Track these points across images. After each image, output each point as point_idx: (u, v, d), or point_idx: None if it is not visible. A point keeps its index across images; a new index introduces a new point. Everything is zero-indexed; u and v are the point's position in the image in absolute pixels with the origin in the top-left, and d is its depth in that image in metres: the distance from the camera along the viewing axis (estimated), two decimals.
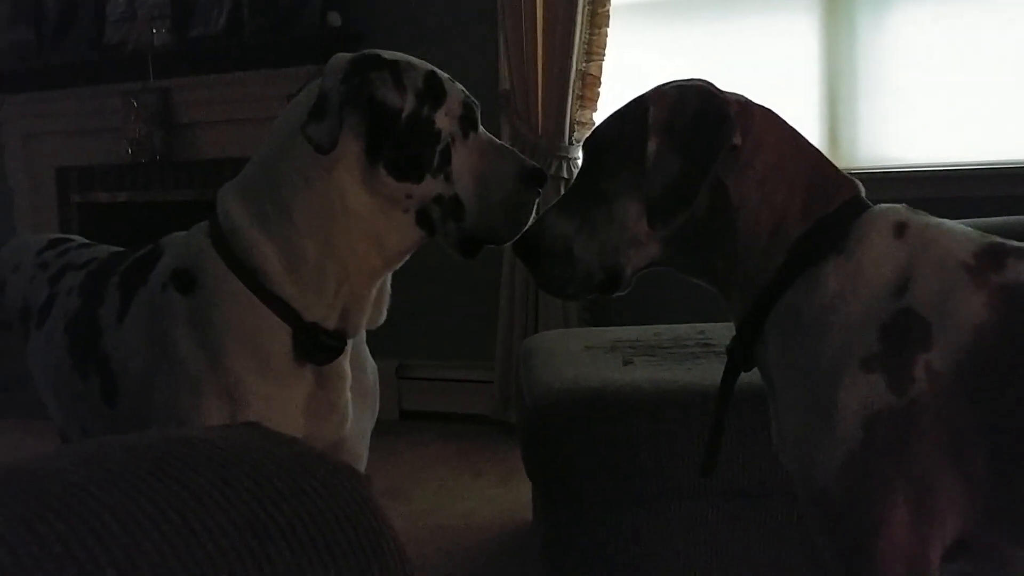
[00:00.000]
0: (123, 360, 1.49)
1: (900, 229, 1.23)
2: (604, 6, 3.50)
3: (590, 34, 3.52)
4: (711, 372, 1.91)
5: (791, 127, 1.32)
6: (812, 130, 3.42)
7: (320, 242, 1.38)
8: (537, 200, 1.48)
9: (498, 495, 3.11)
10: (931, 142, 3.31)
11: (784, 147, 1.29)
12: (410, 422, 4.01)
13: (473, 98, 1.47)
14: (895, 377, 1.15)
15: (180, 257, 1.46)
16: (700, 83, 1.30)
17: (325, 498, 0.75)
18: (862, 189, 1.31)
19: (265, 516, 0.69)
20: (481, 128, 1.47)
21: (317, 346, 1.42)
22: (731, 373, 1.35)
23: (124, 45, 4.33)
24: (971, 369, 1.14)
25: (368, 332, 1.57)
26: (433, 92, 1.41)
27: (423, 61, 1.46)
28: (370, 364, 1.62)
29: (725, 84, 1.32)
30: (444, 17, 3.91)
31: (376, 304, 1.50)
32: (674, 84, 1.31)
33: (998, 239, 1.23)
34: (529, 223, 1.43)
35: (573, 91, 3.53)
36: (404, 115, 1.38)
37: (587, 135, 1.37)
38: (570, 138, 3.57)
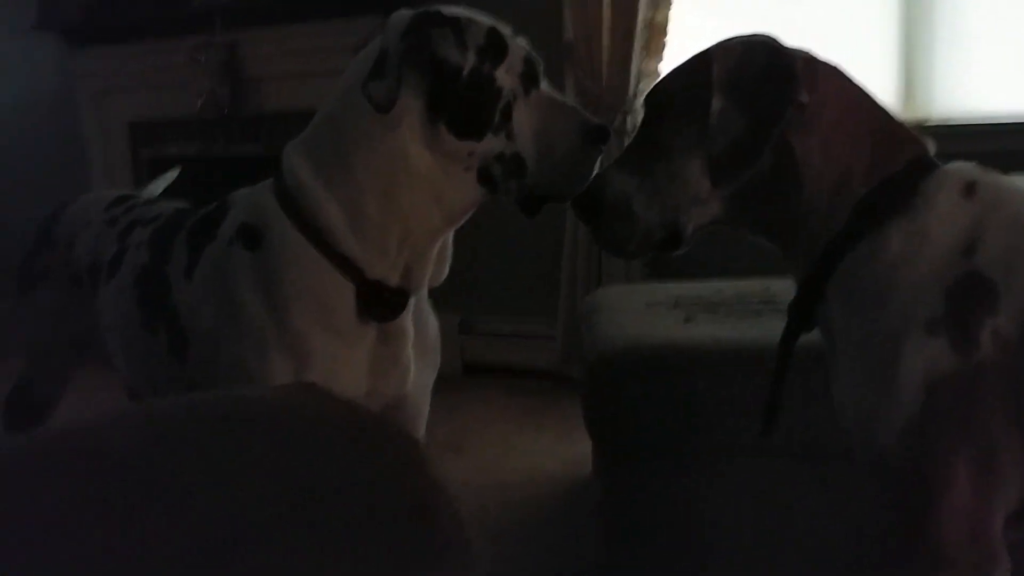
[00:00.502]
0: (191, 315, 1.53)
1: (969, 189, 1.20)
2: None
3: None
4: (774, 330, 1.88)
5: (858, 83, 1.29)
6: (887, 80, 3.33)
7: (382, 200, 1.39)
8: (600, 157, 1.47)
9: (560, 450, 3.12)
10: (1012, 93, 3.20)
11: (850, 104, 1.26)
12: (473, 376, 4.04)
13: (535, 53, 1.46)
14: (960, 341, 1.13)
15: (247, 213, 1.49)
16: (766, 38, 1.28)
17: (378, 464, 0.76)
18: (931, 147, 1.27)
19: (317, 481, 0.70)
20: (544, 84, 1.46)
21: (380, 303, 1.44)
22: (792, 333, 1.34)
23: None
24: None
25: (430, 287, 1.58)
26: (494, 49, 1.40)
27: (485, 16, 1.45)
28: (432, 320, 1.64)
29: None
30: None
31: (438, 261, 1.51)
32: (739, 39, 1.29)
33: None
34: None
35: (639, 41, 3.48)
36: (465, 72, 1.37)
37: (649, 89, 1.35)
38: (635, 90, 3.52)
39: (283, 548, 0.67)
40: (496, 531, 2.56)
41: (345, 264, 1.41)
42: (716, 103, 1.23)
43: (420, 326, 1.57)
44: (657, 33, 3.49)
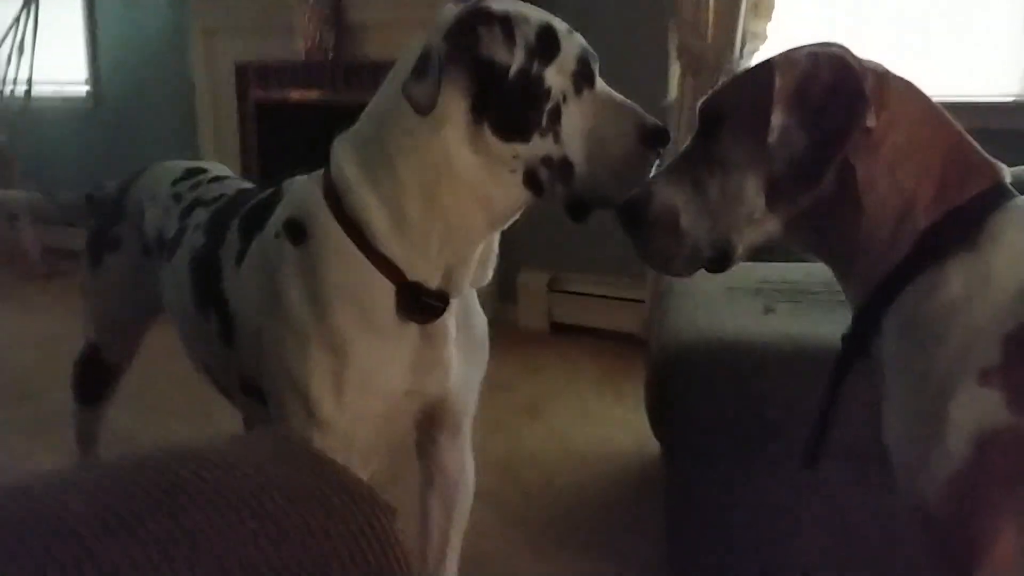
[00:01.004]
0: (239, 302, 1.53)
1: None
2: None
3: None
4: None
5: (931, 103, 1.18)
6: (1009, 52, 3.11)
7: (424, 202, 1.36)
8: (658, 161, 1.40)
9: (636, 421, 3.06)
10: None
11: (920, 126, 1.16)
12: (560, 335, 4.02)
13: (591, 51, 1.38)
14: (1015, 395, 1.04)
15: (294, 206, 1.47)
16: (835, 51, 1.18)
17: (337, 539, 0.73)
18: (1007, 175, 1.17)
19: (265, 560, 0.68)
20: (600, 83, 1.39)
21: (419, 305, 1.41)
22: (845, 364, 1.26)
23: None
24: None
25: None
26: (545, 47, 1.33)
27: (541, 11, 1.38)
28: (480, 319, 1.60)
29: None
30: None
31: (481, 264, 1.47)
32: (806, 50, 1.19)
33: None
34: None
35: (747, 0, 3.33)
36: (512, 72, 1.31)
37: (705, 97, 1.27)
38: (741, 51, 3.37)
39: None
40: (558, 508, 2.56)
41: (386, 264, 1.39)
42: (777, 119, 1.15)
43: (466, 325, 1.54)
44: None
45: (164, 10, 5.13)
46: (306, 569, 0.71)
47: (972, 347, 1.08)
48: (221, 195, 1.72)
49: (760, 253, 2.48)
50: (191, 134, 5.00)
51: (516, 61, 1.31)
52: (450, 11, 1.33)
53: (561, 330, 4.06)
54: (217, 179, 1.84)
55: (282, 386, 1.45)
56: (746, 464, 1.93)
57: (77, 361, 2.08)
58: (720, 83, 1.26)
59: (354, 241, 1.39)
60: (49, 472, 0.72)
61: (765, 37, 3.40)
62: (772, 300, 2.20)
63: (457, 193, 1.35)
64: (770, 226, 1.21)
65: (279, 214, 1.49)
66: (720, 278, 2.41)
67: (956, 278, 1.11)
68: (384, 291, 1.40)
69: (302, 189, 1.48)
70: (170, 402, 3.16)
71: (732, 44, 3.36)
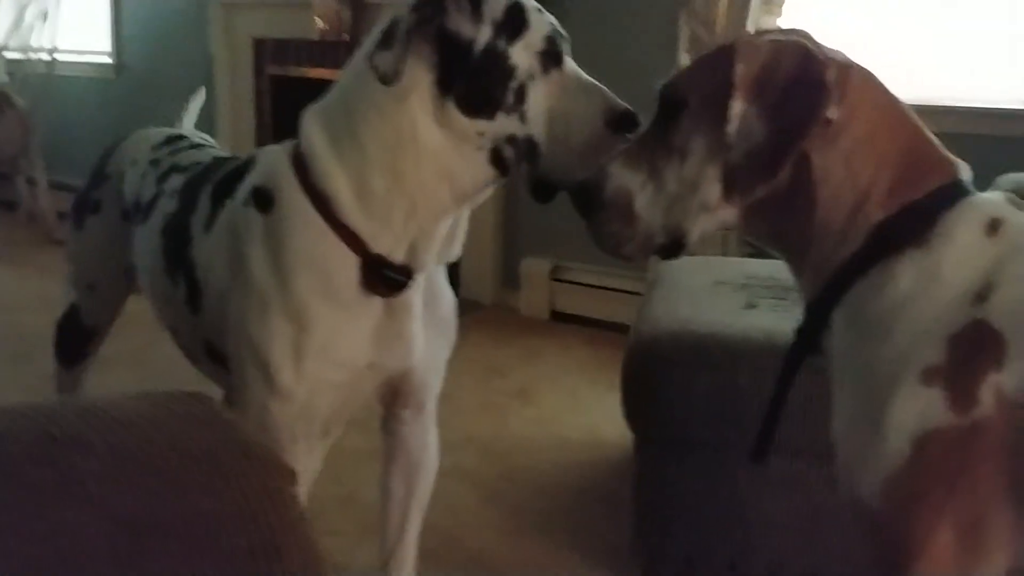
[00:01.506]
0: (205, 269, 1.54)
1: (993, 226, 1.08)
2: None
3: None
4: None
5: (891, 95, 1.17)
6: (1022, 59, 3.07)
7: (389, 174, 1.36)
8: None
9: None
10: None
11: (879, 119, 1.15)
12: (560, 324, 4.01)
13: (561, 31, 1.38)
14: (957, 395, 1.03)
15: (262, 175, 1.48)
16: (798, 39, 1.16)
17: (230, 499, 0.74)
18: (965, 172, 1.15)
19: (150, 513, 0.69)
20: (569, 64, 1.39)
21: (382, 279, 1.41)
22: (795, 358, 1.25)
23: None
24: None
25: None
26: (513, 24, 1.33)
27: None
28: (447, 296, 1.61)
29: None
30: None
31: (448, 240, 1.47)
32: (769, 38, 1.18)
33: None
34: None
35: None
36: (477, 48, 1.31)
37: (665, 80, 1.26)
38: None
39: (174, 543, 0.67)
40: (536, 490, 2.56)
41: (350, 236, 1.39)
42: (737, 107, 1.13)
43: (432, 303, 1.54)
44: None
45: None
46: (197, 525, 0.72)
47: (917, 345, 1.07)
48: (197, 162, 1.73)
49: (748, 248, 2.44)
50: (209, 107, 5.01)
51: (482, 36, 1.31)
52: None
53: (561, 319, 4.05)
54: (196, 146, 1.85)
55: (243, 353, 1.46)
56: (717, 456, 1.93)
57: (58, 322, 2.10)
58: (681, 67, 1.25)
59: (319, 211, 1.40)
60: None
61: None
62: (756, 296, 2.19)
63: (421, 167, 1.35)
64: (724, 215, 1.20)
65: (248, 182, 1.50)
66: (708, 272, 2.42)
67: (905, 275, 1.10)
68: (347, 262, 1.40)
69: (272, 158, 1.49)
70: (167, 370, 3.18)
71: None
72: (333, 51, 4.49)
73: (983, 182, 2.39)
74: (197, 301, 1.56)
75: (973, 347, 1.04)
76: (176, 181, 1.70)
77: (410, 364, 1.52)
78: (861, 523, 1.13)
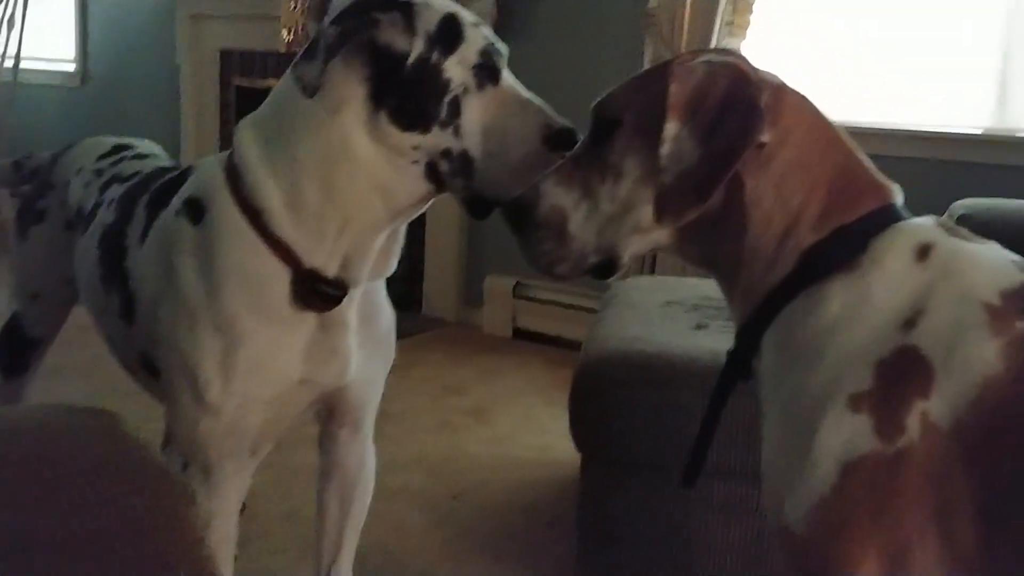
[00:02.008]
0: (139, 281, 1.51)
1: (923, 252, 1.07)
2: None
3: None
4: None
5: (824, 118, 1.16)
6: (983, 87, 3.10)
7: (321, 187, 1.33)
8: None
9: None
10: None
11: (812, 143, 1.14)
12: (522, 341, 4.00)
13: (498, 46, 1.36)
14: (884, 422, 1.01)
15: (196, 186, 1.45)
16: (732, 61, 1.15)
17: (117, 516, 0.71)
18: (898, 196, 1.14)
19: (33, 529, 0.66)
20: (506, 79, 1.37)
21: (314, 293, 1.38)
22: (726, 383, 1.24)
23: None
24: (972, 427, 0.98)
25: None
26: (447, 37, 1.31)
27: (446, 1, 1.35)
28: (386, 312, 1.58)
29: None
30: None
31: (383, 254, 1.44)
32: (704, 59, 1.16)
33: None
34: None
35: (722, 16, 3.31)
36: (410, 61, 1.29)
37: (599, 98, 1.24)
38: None
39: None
40: (484, 511, 2.53)
41: (281, 249, 1.37)
42: (670, 128, 1.12)
43: (370, 319, 1.52)
44: (742, 10, 3.31)
45: None
46: (84, 542, 0.69)
47: (845, 371, 1.05)
48: (137, 172, 1.70)
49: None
50: (174, 117, 4.99)
51: (416, 50, 1.29)
52: None
53: (524, 336, 4.03)
54: (140, 156, 1.82)
55: (173, 367, 1.42)
56: (661, 477, 1.90)
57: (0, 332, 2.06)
58: (616, 86, 1.23)
59: (251, 223, 1.37)
60: None
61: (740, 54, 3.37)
62: (707, 316, 2.18)
63: (355, 180, 1.33)
64: (657, 236, 1.18)
65: (182, 193, 1.47)
66: (662, 292, 2.41)
67: (835, 300, 1.08)
68: (279, 276, 1.38)
69: (206, 169, 1.46)
70: (117, 381, 3.13)
71: None
72: None
73: (941, 207, 2.42)
74: (131, 313, 1.53)
75: (901, 373, 1.02)
76: (116, 191, 1.67)
77: (345, 381, 1.49)
78: (787, 551, 1.11)
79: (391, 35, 1.28)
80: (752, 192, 1.13)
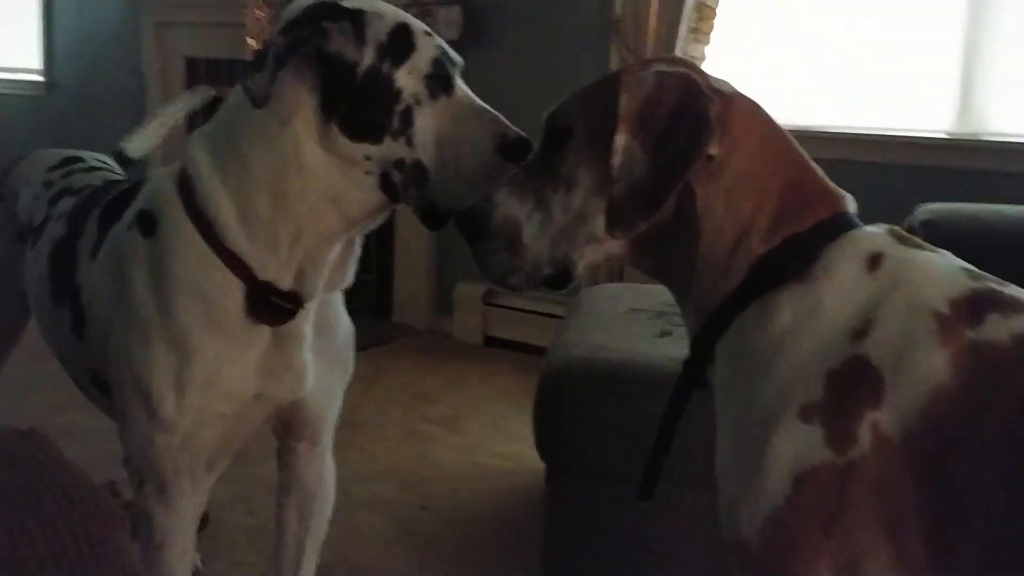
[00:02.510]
0: (90, 295, 1.49)
1: (874, 261, 1.06)
2: None
3: None
4: None
5: (775, 127, 1.16)
6: (945, 90, 3.12)
7: (273, 198, 1.32)
8: None
9: None
10: None
11: (762, 153, 1.13)
12: (493, 349, 3.99)
13: (452, 55, 1.35)
14: (835, 433, 1.01)
15: (147, 198, 1.43)
16: (683, 72, 1.14)
17: (47, 539, 0.69)
18: (851, 205, 1.14)
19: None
20: (460, 89, 1.36)
21: (269, 306, 1.37)
22: (681, 393, 1.23)
23: None
24: (923, 437, 0.98)
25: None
26: (397, 47, 1.30)
27: (399, 11, 1.34)
28: (343, 324, 1.56)
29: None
30: None
31: (339, 267, 1.43)
32: (654, 70, 1.15)
33: (995, 286, 1.05)
34: None
35: (686, 23, 3.32)
36: (360, 71, 1.28)
37: (552, 109, 1.23)
38: None
39: None
40: (453, 521, 2.52)
41: (235, 262, 1.35)
42: (620, 139, 1.11)
43: (326, 331, 1.50)
44: (706, 16, 3.32)
45: (119, 1, 5.08)
46: (10, 566, 0.67)
47: (796, 381, 1.05)
48: (88, 185, 1.68)
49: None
50: (140, 123, 4.94)
51: (365, 60, 1.28)
52: (297, 6, 1.30)
53: (495, 344, 4.02)
54: (90, 169, 1.79)
55: (125, 382, 1.40)
56: (625, 486, 1.89)
57: None
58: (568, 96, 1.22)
59: (203, 236, 1.35)
60: None
61: (703, 60, 3.38)
62: (671, 323, 2.17)
63: (307, 191, 1.31)
64: (611, 247, 1.18)
65: (134, 206, 1.45)
66: (627, 299, 2.40)
67: (786, 309, 1.08)
68: (232, 289, 1.36)
69: (158, 181, 1.44)
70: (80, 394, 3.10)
71: None
72: None
73: (905, 211, 2.43)
74: (81, 328, 1.51)
75: (851, 384, 1.02)
76: (66, 204, 1.65)
77: (300, 395, 1.48)
78: (741, 562, 1.10)
79: (341, 45, 1.27)
80: (703, 202, 1.12)
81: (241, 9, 4.34)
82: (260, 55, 1.24)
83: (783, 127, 1.17)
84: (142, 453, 1.41)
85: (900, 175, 3.10)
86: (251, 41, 4.35)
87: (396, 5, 1.37)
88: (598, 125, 1.14)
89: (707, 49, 3.37)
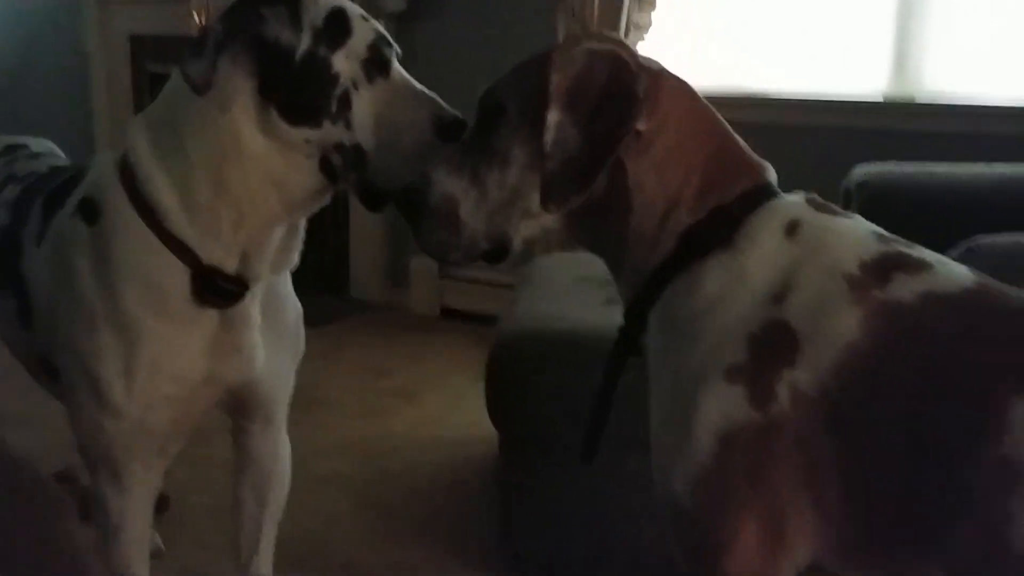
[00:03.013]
0: (36, 284, 1.50)
1: (792, 228, 1.11)
2: None
3: None
4: None
5: (700, 102, 1.20)
6: (879, 54, 3.18)
7: (214, 183, 1.34)
8: None
9: None
10: (1006, 76, 3.03)
11: (689, 127, 1.17)
12: (449, 321, 4.01)
13: (387, 39, 1.37)
14: (757, 392, 1.06)
15: (90, 185, 1.44)
16: (612, 49, 1.18)
17: None
18: (772, 176, 1.19)
19: None
20: (396, 72, 1.38)
21: (214, 290, 1.39)
22: (616, 361, 1.27)
23: None
24: (835, 393, 1.04)
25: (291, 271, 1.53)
26: (334, 31, 1.32)
27: None
28: (292, 305, 1.59)
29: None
30: None
31: (283, 249, 1.45)
32: (584, 47, 1.18)
33: (903, 248, 1.10)
34: None
35: None
36: (297, 55, 1.30)
37: (487, 88, 1.26)
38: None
39: None
40: (414, 492, 2.56)
41: (179, 247, 1.37)
42: (552, 116, 1.14)
43: (275, 312, 1.52)
44: None
45: None
46: None
47: (722, 345, 1.10)
48: (32, 172, 1.68)
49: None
50: (86, 106, 4.89)
51: (302, 44, 1.30)
52: None
53: (452, 316, 4.05)
54: (33, 156, 1.79)
55: (73, 369, 1.42)
56: (573, 451, 1.94)
57: None
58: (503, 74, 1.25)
59: (146, 222, 1.37)
60: None
61: (649, 26, 3.41)
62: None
63: (248, 175, 1.33)
64: (546, 221, 1.21)
65: (76, 193, 1.46)
66: (575, 268, 2.44)
67: (713, 277, 1.12)
68: (177, 274, 1.38)
69: (100, 168, 1.45)
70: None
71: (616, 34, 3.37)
72: None
73: (840, 173, 2.48)
74: (28, 316, 1.52)
75: (771, 345, 1.07)
76: (10, 192, 1.65)
77: (250, 376, 1.50)
78: (674, 522, 1.15)
79: (278, 30, 1.29)
80: (634, 177, 1.16)
81: None
82: (198, 41, 1.26)
83: (708, 101, 1.21)
84: (93, 439, 1.43)
85: (836, 138, 3.16)
86: (196, 16, 4.30)
87: None
88: (530, 103, 1.17)
89: (653, 16, 3.39)
